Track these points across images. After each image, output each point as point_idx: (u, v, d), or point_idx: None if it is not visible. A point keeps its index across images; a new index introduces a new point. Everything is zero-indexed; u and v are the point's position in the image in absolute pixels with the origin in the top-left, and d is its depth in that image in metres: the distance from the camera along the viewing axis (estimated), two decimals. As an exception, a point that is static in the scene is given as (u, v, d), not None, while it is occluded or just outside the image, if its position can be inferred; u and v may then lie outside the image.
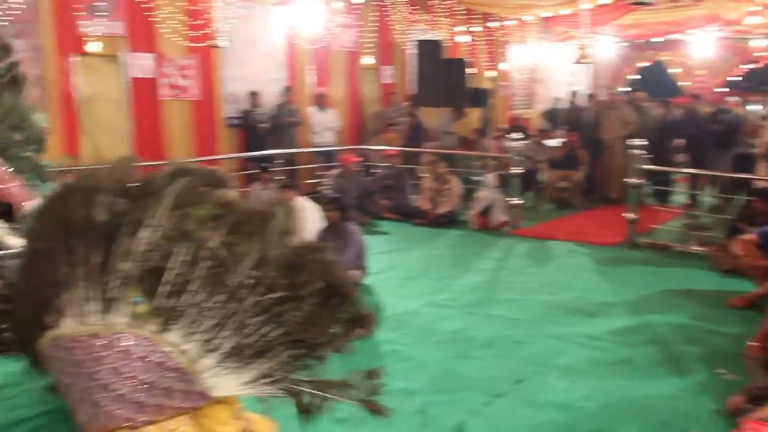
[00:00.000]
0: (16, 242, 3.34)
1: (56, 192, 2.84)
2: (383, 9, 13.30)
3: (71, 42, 8.73)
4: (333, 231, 6.55)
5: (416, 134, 12.23)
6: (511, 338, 5.11)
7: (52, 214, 2.78)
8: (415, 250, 8.16)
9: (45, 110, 8.41)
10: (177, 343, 2.74)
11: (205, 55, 10.16)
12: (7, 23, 8.01)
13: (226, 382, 2.83)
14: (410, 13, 13.90)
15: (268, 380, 2.89)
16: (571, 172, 11.03)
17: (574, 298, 6.14)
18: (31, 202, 3.59)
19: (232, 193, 2.99)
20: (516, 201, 9.22)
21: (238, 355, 2.77)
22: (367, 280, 6.54)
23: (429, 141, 12.21)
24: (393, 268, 7.23)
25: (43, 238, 2.76)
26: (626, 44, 18.02)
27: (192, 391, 2.82)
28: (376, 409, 3.05)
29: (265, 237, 2.82)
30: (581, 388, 4.23)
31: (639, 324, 5.44)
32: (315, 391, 2.96)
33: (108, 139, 9.14)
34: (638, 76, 18.22)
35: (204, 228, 2.75)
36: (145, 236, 2.68)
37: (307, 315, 2.81)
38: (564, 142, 11.58)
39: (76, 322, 2.74)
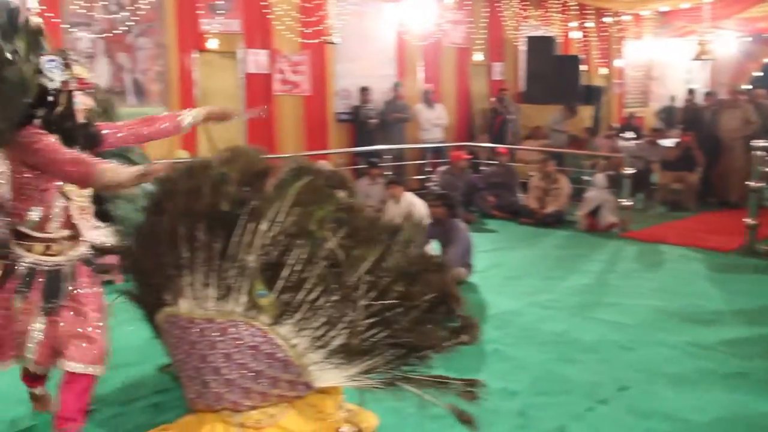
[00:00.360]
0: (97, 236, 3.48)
1: (182, 175, 2.97)
2: (495, 5, 13.20)
3: (192, 39, 9.13)
4: (439, 227, 6.58)
5: (502, 132, 12.10)
6: (617, 343, 4.99)
7: (177, 197, 2.90)
8: (520, 249, 8.09)
9: (166, 105, 8.86)
10: (288, 337, 2.84)
11: (317, 51, 10.38)
12: (132, 23, 8.47)
13: (331, 375, 2.91)
14: (522, 8, 13.74)
15: (370, 375, 2.95)
16: (686, 174, 10.61)
17: (685, 305, 5.92)
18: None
19: (353, 198, 3.05)
20: (627, 202, 8.98)
21: (345, 353, 2.84)
22: (472, 278, 6.53)
23: (538, 139, 12.06)
24: (498, 266, 7.19)
25: (166, 219, 2.89)
26: (750, 39, 17.16)
27: (297, 382, 2.92)
28: (467, 420, 3.07)
29: (386, 246, 2.88)
30: (690, 400, 4.08)
31: (755, 335, 5.19)
32: (413, 389, 3.01)
33: (223, 132, 9.45)
34: (762, 73, 17.33)
35: (324, 228, 2.83)
36: (265, 230, 2.78)
37: (415, 321, 2.85)
38: (679, 142, 11.15)
39: (193, 305, 2.89)
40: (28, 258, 3.21)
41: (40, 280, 3.20)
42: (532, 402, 4.00)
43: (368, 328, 2.83)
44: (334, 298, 2.78)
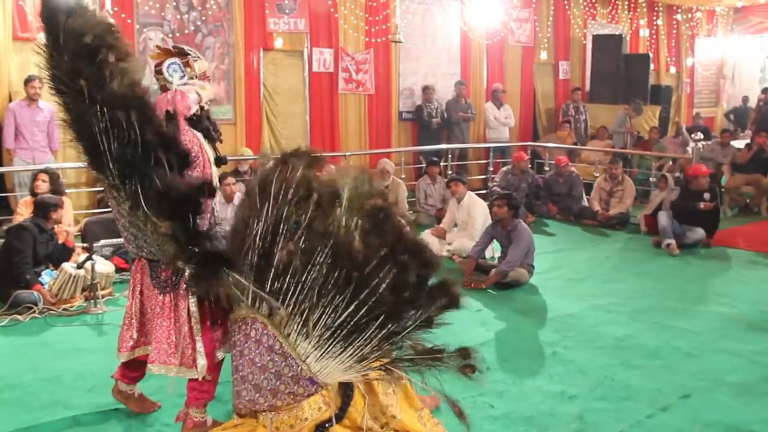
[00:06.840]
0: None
1: None
2: (561, 2, 13.03)
3: (258, 38, 9.30)
4: (502, 228, 6.55)
5: None
6: (680, 349, 4.90)
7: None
8: (582, 251, 7.98)
9: (231, 103, 9.05)
10: (280, 327, 2.93)
11: (381, 50, 10.43)
12: (201, 22, 8.67)
13: (330, 367, 2.98)
14: (589, 6, 13.54)
15: (367, 363, 3.01)
16: (758, 177, 10.29)
17: (753, 312, 5.77)
18: None
19: (321, 173, 3.17)
20: (694, 205, 8.75)
21: (332, 338, 2.91)
22: (532, 280, 6.49)
23: (603, 139, 11.87)
24: (559, 268, 7.12)
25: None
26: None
27: (300, 377, 2.97)
28: (471, 372, 3.12)
29: (337, 213, 2.95)
30: (756, 411, 3.96)
31: (827, 346, 5.02)
32: (412, 367, 3.08)
33: (287, 130, 9.64)
34: None
35: (297, 209, 2.94)
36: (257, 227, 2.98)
37: (391, 287, 2.89)
38: (750, 144, 10.81)
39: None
40: None
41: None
42: (591, 407, 3.97)
43: (345, 305, 2.90)
44: (311, 276, 2.88)
